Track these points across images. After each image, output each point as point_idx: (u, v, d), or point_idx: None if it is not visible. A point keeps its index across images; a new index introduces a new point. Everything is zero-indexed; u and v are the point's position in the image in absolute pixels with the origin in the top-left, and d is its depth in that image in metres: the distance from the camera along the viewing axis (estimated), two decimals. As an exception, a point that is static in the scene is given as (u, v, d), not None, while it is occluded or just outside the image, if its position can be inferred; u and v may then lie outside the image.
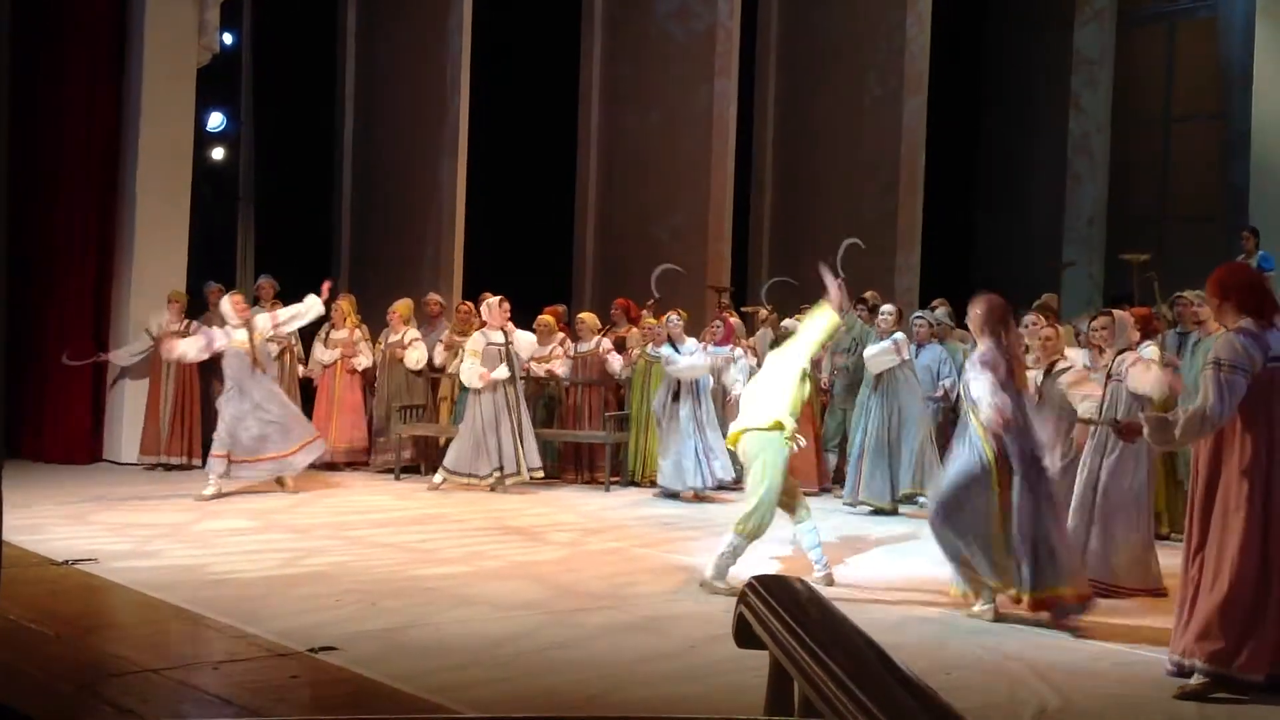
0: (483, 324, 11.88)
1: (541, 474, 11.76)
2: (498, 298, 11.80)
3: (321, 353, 12.66)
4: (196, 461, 12.42)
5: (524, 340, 11.93)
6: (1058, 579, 6.61)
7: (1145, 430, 5.66)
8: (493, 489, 11.41)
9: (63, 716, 4.81)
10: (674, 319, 11.78)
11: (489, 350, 11.55)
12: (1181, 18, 18.26)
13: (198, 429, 12.50)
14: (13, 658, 5.59)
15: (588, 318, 12.93)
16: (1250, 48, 16.40)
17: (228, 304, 11.18)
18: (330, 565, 7.91)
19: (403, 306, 12.93)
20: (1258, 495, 5.36)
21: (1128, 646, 6.24)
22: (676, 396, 11.53)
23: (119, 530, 9.02)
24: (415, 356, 12.65)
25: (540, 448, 12.37)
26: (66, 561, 7.65)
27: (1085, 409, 7.87)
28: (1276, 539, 5.33)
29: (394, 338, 12.81)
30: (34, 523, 9.06)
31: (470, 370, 11.49)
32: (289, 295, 12.18)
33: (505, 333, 11.69)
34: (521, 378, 12.26)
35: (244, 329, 11.01)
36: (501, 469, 11.44)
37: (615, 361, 12.48)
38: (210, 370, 12.80)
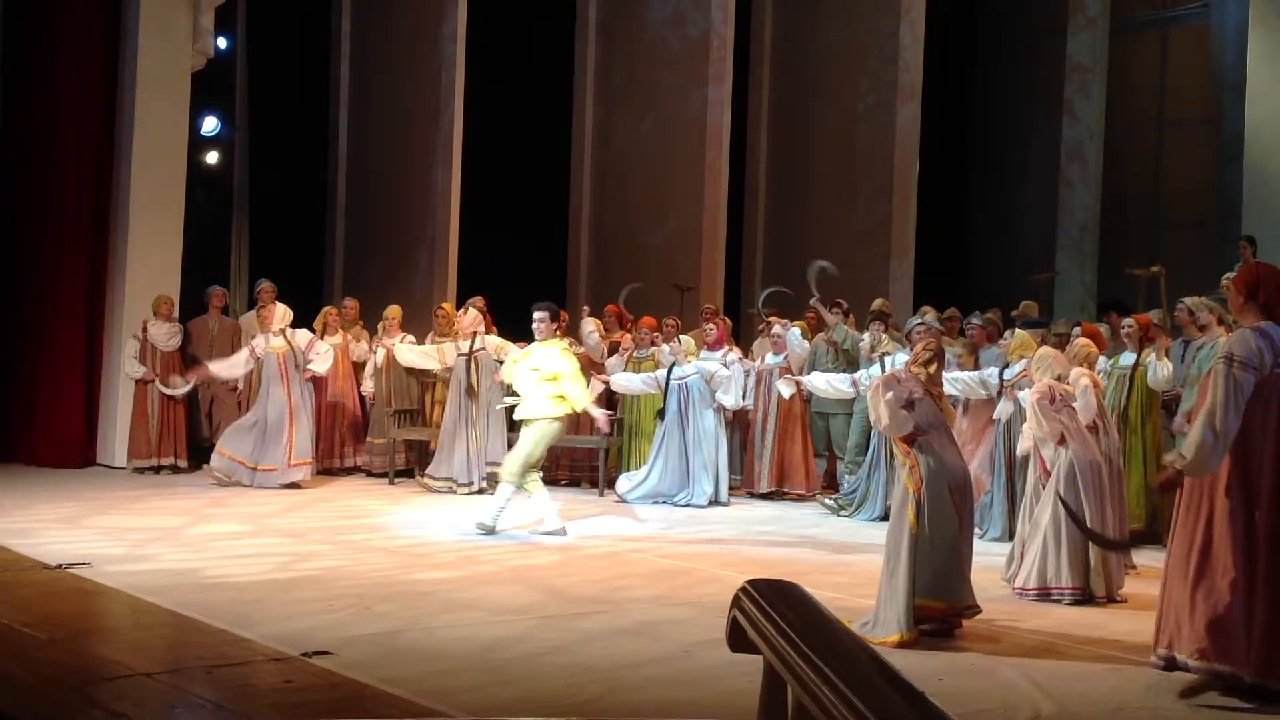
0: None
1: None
2: (475, 300, 11.96)
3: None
4: (182, 463, 12.46)
5: (492, 343, 11.87)
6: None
7: (1177, 467, 5.42)
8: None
9: (56, 720, 4.81)
10: (680, 343, 11.82)
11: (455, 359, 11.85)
12: (1174, 25, 18.32)
13: (183, 432, 12.54)
14: (5, 661, 5.58)
15: (596, 323, 12.95)
16: (1243, 54, 16.44)
17: (283, 310, 11.90)
18: (324, 570, 7.90)
19: (395, 312, 12.97)
20: (1244, 498, 5.33)
21: (1121, 652, 6.25)
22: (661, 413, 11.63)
23: (112, 534, 9.00)
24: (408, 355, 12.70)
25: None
26: (60, 565, 7.64)
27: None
28: (1266, 541, 5.32)
29: (390, 341, 12.81)
30: (27, 526, 9.07)
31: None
32: (284, 299, 12.32)
33: (474, 337, 11.78)
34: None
35: (281, 336, 11.74)
36: (453, 479, 11.60)
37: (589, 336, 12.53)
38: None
